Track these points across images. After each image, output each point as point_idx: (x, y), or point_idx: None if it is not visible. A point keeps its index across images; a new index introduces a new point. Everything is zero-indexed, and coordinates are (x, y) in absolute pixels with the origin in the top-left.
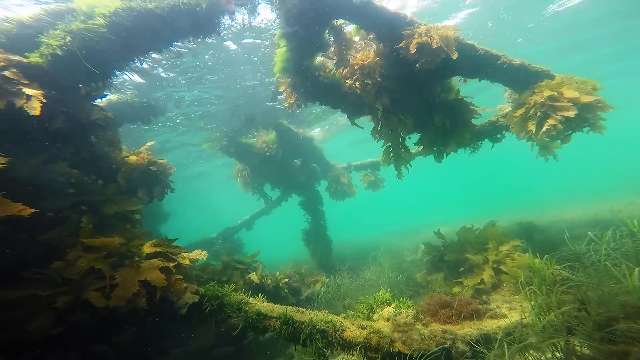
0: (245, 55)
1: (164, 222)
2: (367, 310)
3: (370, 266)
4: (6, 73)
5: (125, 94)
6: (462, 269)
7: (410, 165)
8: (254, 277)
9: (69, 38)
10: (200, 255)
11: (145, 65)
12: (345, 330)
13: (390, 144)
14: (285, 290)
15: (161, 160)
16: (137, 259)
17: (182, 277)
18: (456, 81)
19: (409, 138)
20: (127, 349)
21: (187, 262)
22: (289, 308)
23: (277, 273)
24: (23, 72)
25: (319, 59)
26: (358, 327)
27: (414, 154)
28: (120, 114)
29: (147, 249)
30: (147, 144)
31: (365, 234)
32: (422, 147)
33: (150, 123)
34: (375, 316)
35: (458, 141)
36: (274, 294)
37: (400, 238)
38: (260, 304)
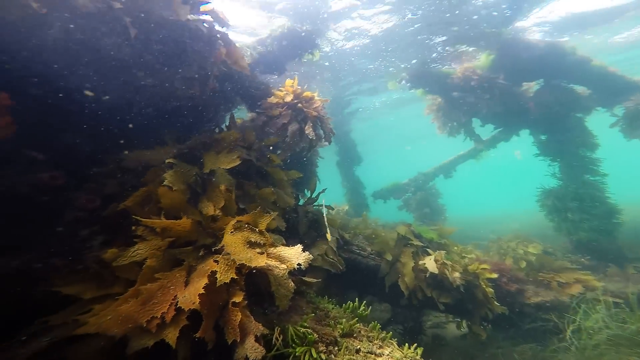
0: None
1: (357, 165)
2: None
3: None
4: None
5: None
6: None
7: None
8: (429, 263)
9: None
10: (301, 256)
11: None
12: None
13: None
14: (489, 288)
15: (307, 93)
16: (201, 253)
17: (242, 297)
18: None
19: None
20: None
21: (278, 267)
22: None
23: (477, 263)
24: None
25: None
26: None
27: None
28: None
29: (227, 235)
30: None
31: None
32: None
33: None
34: None
35: None
36: (465, 296)
37: None
38: None
